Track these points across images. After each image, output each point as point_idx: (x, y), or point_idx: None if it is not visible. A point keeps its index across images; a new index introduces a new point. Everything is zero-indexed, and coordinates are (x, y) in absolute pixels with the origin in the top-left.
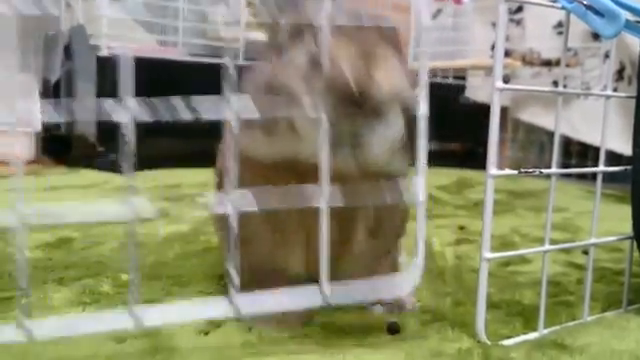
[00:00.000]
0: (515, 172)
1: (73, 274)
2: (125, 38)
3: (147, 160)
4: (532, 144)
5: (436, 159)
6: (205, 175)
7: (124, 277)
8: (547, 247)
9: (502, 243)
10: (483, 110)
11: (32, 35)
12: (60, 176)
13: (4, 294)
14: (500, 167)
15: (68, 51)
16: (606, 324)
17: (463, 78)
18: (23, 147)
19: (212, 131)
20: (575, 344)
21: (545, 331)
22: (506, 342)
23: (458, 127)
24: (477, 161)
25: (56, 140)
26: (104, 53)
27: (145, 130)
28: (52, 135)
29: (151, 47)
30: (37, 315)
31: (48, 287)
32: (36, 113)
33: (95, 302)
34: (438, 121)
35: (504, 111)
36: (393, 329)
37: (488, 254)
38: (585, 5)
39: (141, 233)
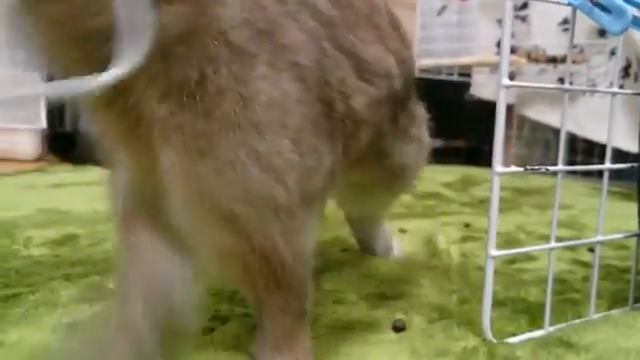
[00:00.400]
0: (521, 169)
1: (80, 271)
2: None
3: None
4: (537, 141)
5: (441, 156)
6: None
7: None
8: (553, 245)
9: (507, 240)
10: (488, 107)
11: None
12: (65, 173)
13: (11, 291)
14: (506, 164)
15: None
16: (612, 322)
17: (468, 75)
18: (29, 145)
19: None
20: (581, 342)
21: (551, 329)
22: (511, 340)
23: (463, 124)
24: (482, 158)
25: (61, 138)
26: None
27: None
28: (57, 133)
29: None
30: (45, 312)
31: (55, 284)
32: (41, 110)
33: (102, 299)
34: (443, 118)
35: (510, 108)
36: (399, 327)
37: (494, 252)
38: (592, 1)
39: None
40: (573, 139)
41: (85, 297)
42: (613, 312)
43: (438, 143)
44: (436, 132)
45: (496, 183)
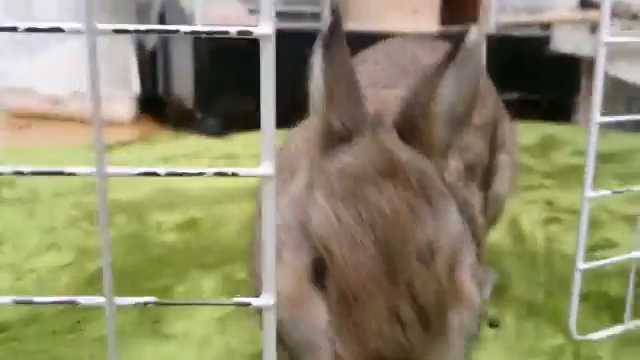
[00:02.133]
0: (609, 192)
1: (212, 259)
2: (217, 6)
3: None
4: (618, 99)
5: (519, 108)
6: None
7: None
8: (637, 254)
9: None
10: (569, 61)
11: (125, 1)
12: (167, 144)
13: (162, 282)
14: (586, 119)
15: (163, 19)
16: None
17: (548, 28)
18: (124, 108)
19: None
20: None
21: (631, 324)
22: (594, 336)
23: (542, 78)
24: (561, 112)
25: (154, 101)
26: (198, 22)
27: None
28: (149, 96)
29: (241, 16)
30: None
31: (194, 273)
32: (134, 76)
33: (239, 290)
34: (521, 73)
35: (590, 64)
36: (495, 323)
37: (581, 265)
38: None
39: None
40: None
41: (224, 288)
42: None
43: (515, 95)
44: (514, 86)
45: (586, 209)
